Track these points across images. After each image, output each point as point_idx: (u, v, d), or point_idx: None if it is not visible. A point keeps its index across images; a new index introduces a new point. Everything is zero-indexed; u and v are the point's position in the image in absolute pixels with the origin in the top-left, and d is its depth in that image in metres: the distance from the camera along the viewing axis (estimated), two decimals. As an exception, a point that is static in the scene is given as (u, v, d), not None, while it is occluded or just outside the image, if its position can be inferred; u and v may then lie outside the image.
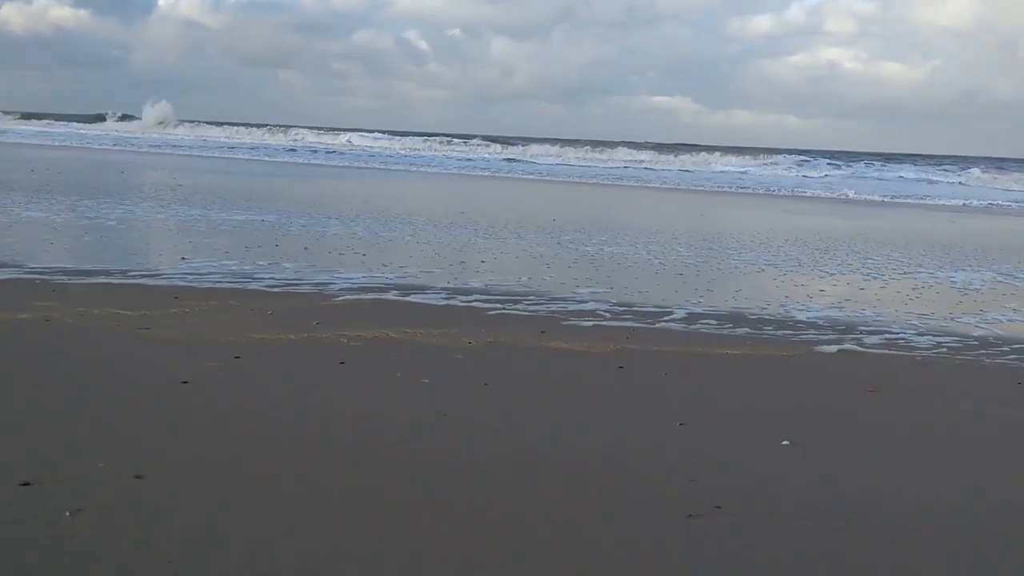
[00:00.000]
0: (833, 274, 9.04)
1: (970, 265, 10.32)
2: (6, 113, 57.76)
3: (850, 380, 4.85)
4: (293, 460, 3.15)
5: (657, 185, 26.58)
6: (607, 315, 6.28)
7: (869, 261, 10.22)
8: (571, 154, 41.31)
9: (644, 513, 2.86)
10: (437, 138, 48.65)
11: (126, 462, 3.02)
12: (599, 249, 10.02)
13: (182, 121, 55.03)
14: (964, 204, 23.78)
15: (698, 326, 6.06)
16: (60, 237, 8.87)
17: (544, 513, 2.82)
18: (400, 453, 3.29)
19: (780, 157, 41.22)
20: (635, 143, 49.48)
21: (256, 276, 7.05)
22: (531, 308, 6.38)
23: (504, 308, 6.32)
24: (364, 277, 7.30)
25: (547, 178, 27.64)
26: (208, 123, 54.43)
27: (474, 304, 6.42)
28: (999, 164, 41.94)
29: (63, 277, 6.53)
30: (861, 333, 6.08)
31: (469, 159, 37.47)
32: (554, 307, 6.46)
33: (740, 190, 25.90)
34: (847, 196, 24.95)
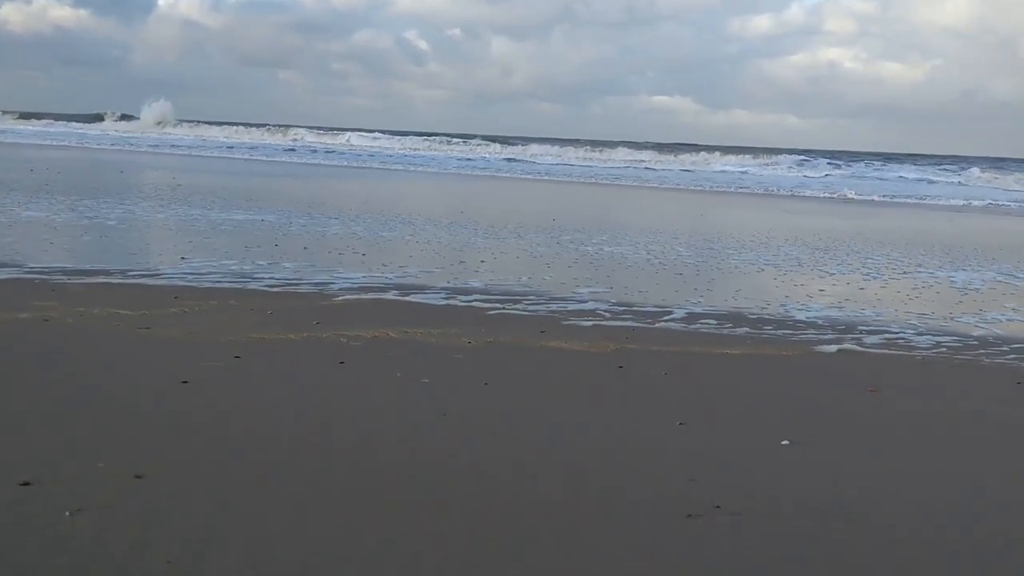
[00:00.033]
0: (833, 274, 9.04)
1: (970, 265, 10.33)
2: (5, 113, 57.76)
3: (850, 380, 4.85)
4: (293, 460, 3.15)
5: (657, 185, 26.59)
6: (607, 315, 6.28)
7: (869, 261, 10.22)
8: (571, 154, 41.29)
9: (644, 513, 2.86)
10: (437, 138, 48.62)
11: (126, 462, 3.02)
12: (599, 249, 10.02)
13: (181, 121, 54.98)
14: (964, 204, 23.78)
15: (698, 326, 6.06)
16: (60, 237, 8.87)
17: (544, 513, 2.82)
18: (400, 453, 3.29)
19: (780, 157, 41.21)
20: (635, 143, 49.46)
21: (256, 276, 7.05)
22: (531, 308, 6.38)
23: (504, 308, 6.32)
24: (364, 277, 7.30)
25: (547, 178, 27.64)
26: (207, 123, 54.38)
27: (474, 304, 6.42)
28: (999, 164, 41.94)
29: (63, 277, 6.53)
30: (861, 333, 6.08)
31: (469, 159, 37.46)
32: (554, 307, 6.46)
33: (740, 190, 25.90)
34: (847, 196, 24.94)
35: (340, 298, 6.37)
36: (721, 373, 4.87)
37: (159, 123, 53.50)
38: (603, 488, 3.06)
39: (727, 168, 37.02)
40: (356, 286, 6.87)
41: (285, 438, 3.38)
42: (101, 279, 6.57)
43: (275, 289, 6.55)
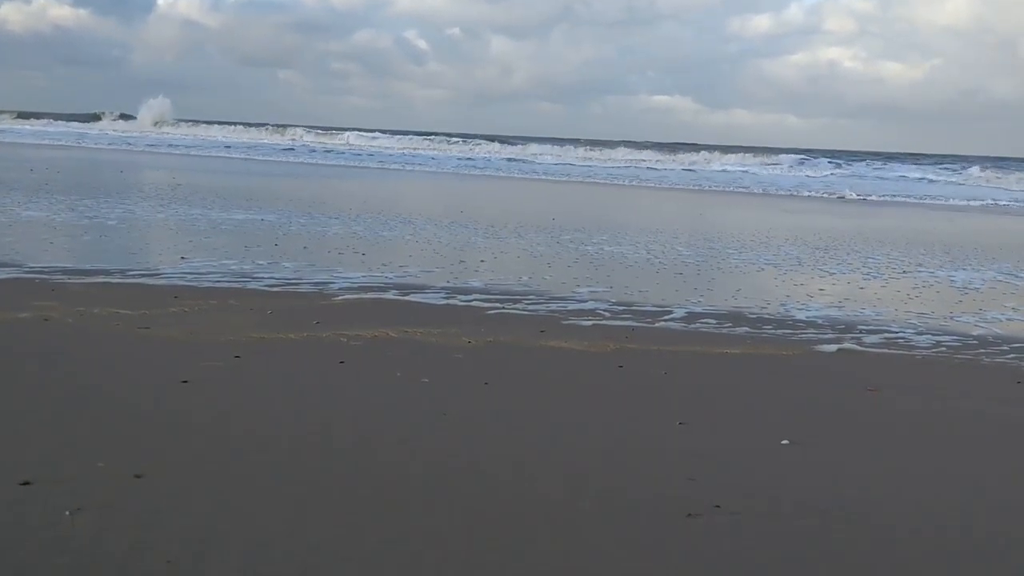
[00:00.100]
0: (833, 273, 9.04)
1: (970, 264, 10.33)
2: (3, 112, 57.77)
3: (850, 380, 4.85)
4: (293, 460, 3.15)
5: (657, 185, 26.58)
6: (607, 314, 6.28)
7: (869, 261, 10.22)
8: (571, 154, 41.28)
9: (644, 513, 2.86)
10: (437, 137, 48.60)
11: (126, 462, 3.02)
12: (599, 248, 10.02)
13: (180, 120, 54.92)
14: (964, 204, 23.78)
15: (698, 325, 6.06)
16: (59, 237, 8.87)
17: (544, 513, 2.82)
18: (400, 453, 3.29)
19: (781, 156, 41.18)
20: (635, 142, 49.45)
21: (256, 275, 7.05)
22: (531, 307, 6.38)
23: (504, 307, 6.32)
24: (364, 276, 7.30)
25: (546, 177, 27.63)
26: (207, 122, 54.33)
27: (474, 303, 6.42)
28: (999, 163, 41.92)
29: (63, 277, 6.53)
30: (861, 332, 6.08)
31: (469, 159, 37.44)
32: (554, 306, 6.46)
33: (740, 189, 25.89)
34: (847, 196, 24.94)
35: (340, 298, 6.37)
36: (721, 373, 4.87)
37: (157, 123, 53.42)
38: (603, 488, 3.06)
39: (727, 168, 37.00)
40: (356, 286, 6.87)
41: (285, 438, 3.38)
42: (101, 279, 6.57)
43: (275, 289, 6.55)
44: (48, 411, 3.56)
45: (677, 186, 26.34)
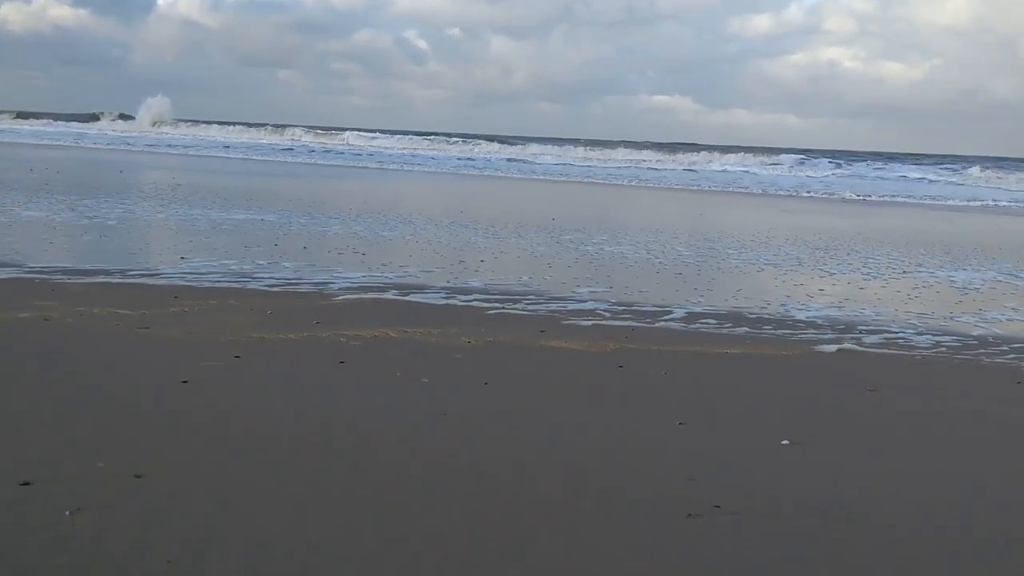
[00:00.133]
0: (833, 273, 9.04)
1: (970, 264, 10.33)
2: (2, 112, 57.78)
3: (850, 380, 4.85)
4: (293, 460, 3.15)
5: (656, 185, 26.58)
6: (607, 314, 6.28)
7: (870, 261, 10.22)
8: (571, 154, 41.29)
9: (644, 513, 2.86)
10: (436, 137, 48.59)
11: (126, 462, 3.02)
12: (599, 248, 10.02)
13: (179, 120, 54.88)
14: (964, 204, 23.78)
15: (698, 325, 6.06)
16: (59, 237, 8.87)
17: (544, 513, 2.82)
18: (400, 453, 3.29)
19: (782, 156, 41.19)
20: (634, 142, 49.46)
21: (256, 275, 7.05)
22: (531, 307, 6.38)
23: (504, 307, 6.32)
24: (364, 276, 7.30)
25: (546, 178, 27.64)
26: (206, 122, 54.30)
27: (474, 303, 6.42)
28: (999, 163, 41.93)
29: (62, 277, 6.53)
30: (860, 332, 6.08)
31: (469, 159, 37.45)
32: (554, 306, 6.46)
33: (740, 190, 25.90)
34: (848, 196, 24.94)
35: (340, 298, 6.37)
36: (721, 373, 4.87)
37: (157, 123, 53.38)
38: (603, 488, 3.06)
39: (728, 168, 37.01)
40: (356, 286, 6.87)
41: (285, 438, 3.38)
42: (101, 279, 6.57)
43: (275, 289, 6.55)
44: (48, 411, 3.56)
45: (677, 186, 26.35)
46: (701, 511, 2.88)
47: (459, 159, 36.63)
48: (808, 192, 25.72)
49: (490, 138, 49.08)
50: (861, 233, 13.61)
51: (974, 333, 6.31)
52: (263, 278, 6.95)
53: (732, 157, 40.59)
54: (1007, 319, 7.03)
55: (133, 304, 5.65)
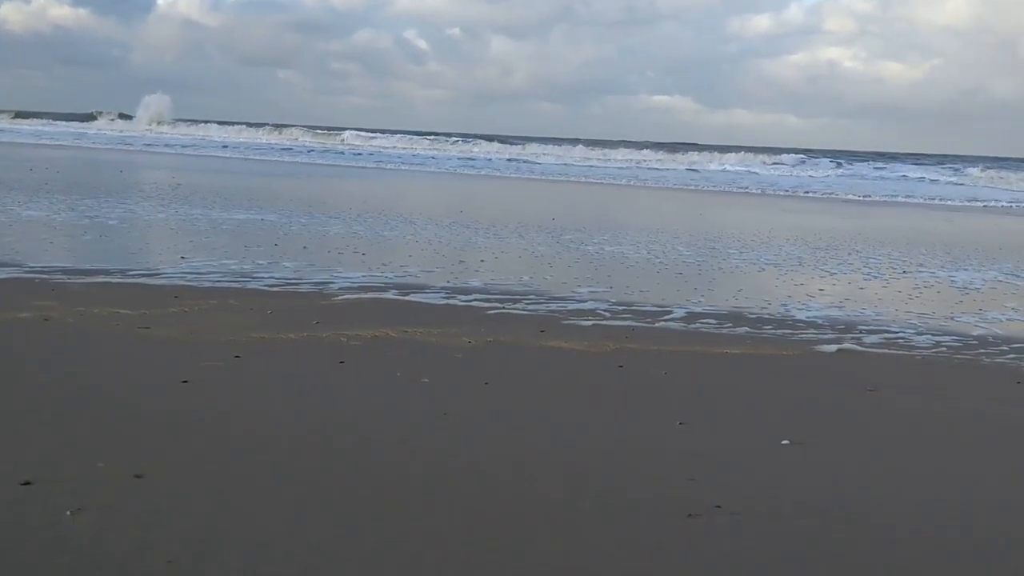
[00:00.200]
0: (833, 273, 9.04)
1: (970, 265, 10.33)
2: (1, 112, 57.80)
3: (850, 380, 4.85)
4: (293, 460, 3.15)
5: (657, 185, 26.58)
6: (607, 314, 6.28)
7: (870, 261, 10.22)
8: (571, 153, 41.29)
9: (644, 513, 2.86)
10: (436, 137, 48.59)
11: (126, 462, 3.02)
12: (599, 248, 10.02)
13: (178, 120, 54.83)
14: (964, 204, 23.78)
15: (698, 325, 6.06)
16: (59, 236, 8.87)
17: (544, 513, 2.82)
18: (400, 453, 3.29)
19: (782, 156, 41.20)
20: (634, 142, 49.46)
21: (256, 275, 7.05)
22: (531, 307, 6.38)
23: (504, 307, 6.32)
24: (364, 276, 7.30)
25: (546, 177, 27.63)
26: (205, 122, 54.26)
27: (474, 303, 6.42)
28: (999, 163, 41.93)
29: (63, 276, 6.53)
30: (861, 332, 6.08)
31: (469, 158, 37.45)
32: (554, 306, 6.46)
33: (741, 189, 25.90)
34: (848, 196, 24.94)
35: (340, 298, 6.37)
36: (721, 373, 4.87)
37: (158, 122, 53.34)
38: (603, 488, 3.06)
39: (728, 168, 37.02)
40: (356, 286, 6.87)
41: (285, 438, 3.38)
42: (101, 279, 6.57)
43: (275, 289, 6.55)
44: (48, 411, 3.56)
45: (677, 186, 26.35)
46: (701, 511, 2.88)
47: (459, 159, 36.63)
48: (806, 192, 25.72)
49: (490, 138, 49.10)
50: (861, 233, 13.61)
51: (974, 333, 6.31)
52: (263, 278, 6.95)
53: (732, 157, 40.61)
54: (1007, 319, 7.03)
55: (133, 304, 5.65)
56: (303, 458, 3.17)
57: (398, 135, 49.06)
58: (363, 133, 50.25)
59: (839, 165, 39.10)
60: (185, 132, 49.11)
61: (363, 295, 6.53)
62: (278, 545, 2.50)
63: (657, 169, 35.06)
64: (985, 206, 23.36)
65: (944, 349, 5.74)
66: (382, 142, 46.01)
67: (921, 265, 10.07)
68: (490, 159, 37.34)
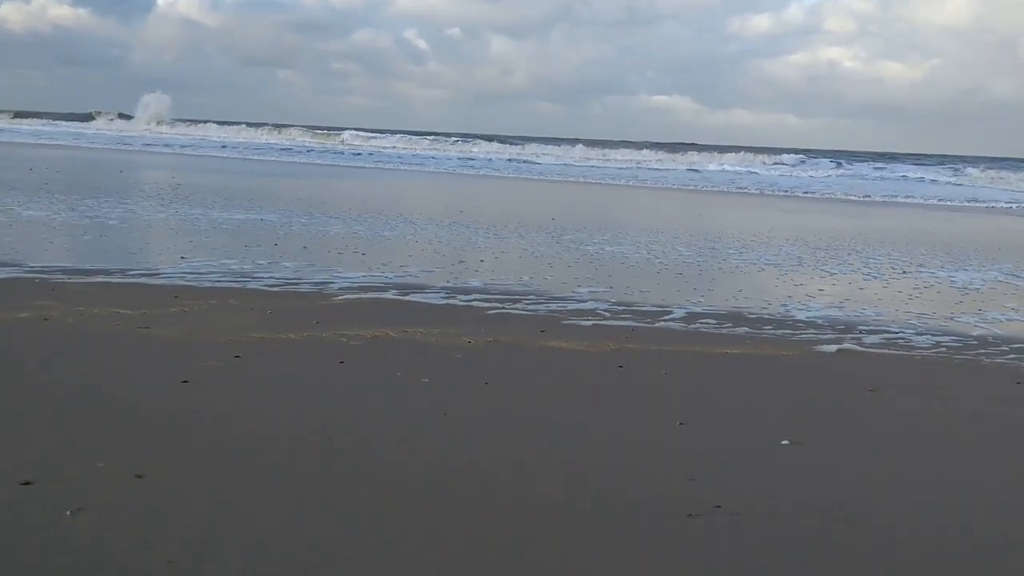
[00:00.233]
0: (833, 273, 9.04)
1: (970, 265, 10.33)
2: (0, 112, 57.82)
3: (850, 380, 4.85)
4: (293, 460, 3.15)
5: (657, 185, 26.58)
6: (607, 314, 6.28)
7: (870, 261, 10.22)
8: (570, 153, 41.30)
9: (644, 513, 2.86)
10: (436, 137, 48.58)
11: (126, 462, 3.02)
12: (599, 248, 10.02)
13: (177, 120, 54.80)
14: (964, 204, 23.78)
15: (698, 325, 6.06)
16: (59, 236, 8.87)
17: (544, 513, 2.82)
18: (400, 453, 3.29)
19: (784, 156, 41.21)
20: (634, 142, 49.48)
21: (256, 275, 7.05)
22: (531, 307, 6.38)
23: (504, 307, 6.32)
24: (364, 276, 7.30)
25: (546, 177, 27.63)
26: (204, 121, 54.22)
27: (474, 303, 6.42)
28: (999, 163, 41.95)
29: (62, 276, 6.53)
30: (861, 332, 6.08)
31: (469, 158, 37.45)
32: (554, 306, 6.46)
33: (741, 189, 25.90)
34: (848, 196, 24.93)
35: (340, 298, 6.37)
36: (721, 373, 4.87)
37: (158, 122, 53.31)
38: (603, 488, 3.06)
39: (728, 168, 37.02)
40: (356, 286, 6.87)
41: (285, 438, 3.38)
42: (101, 278, 6.57)
43: (275, 288, 6.55)
44: (48, 411, 3.56)
45: (677, 186, 26.35)
46: (701, 511, 2.88)
47: (459, 159, 36.63)
48: (806, 192, 25.71)
49: (490, 138, 49.11)
50: (861, 233, 13.61)
51: (974, 333, 6.31)
52: (263, 278, 6.95)
53: (732, 157, 40.61)
54: (1007, 319, 7.03)
55: (133, 304, 5.65)
56: (303, 458, 3.17)
57: (398, 135, 49.07)
58: (363, 133, 50.26)
59: (839, 165, 39.11)
60: (184, 132, 49.09)
61: (363, 295, 6.53)
62: (278, 545, 2.50)
63: (657, 169, 35.07)
64: (985, 206, 23.36)
65: (944, 349, 5.74)
66: (382, 142, 46.00)
67: (921, 265, 10.07)
68: (490, 159, 37.34)
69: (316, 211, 12.49)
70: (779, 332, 5.95)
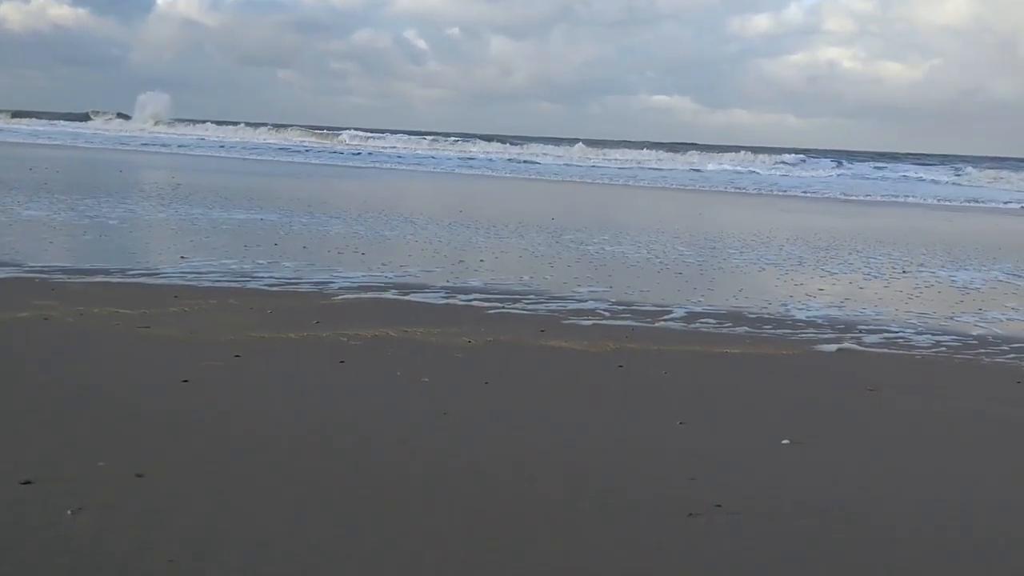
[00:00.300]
0: (833, 273, 9.04)
1: (970, 264, 10.33)
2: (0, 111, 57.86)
3: (850, 379, 4.85)
4: (293, 460, 3.15)
5: (657, 185, 26.58)
6: (607, 314, 6.28)
7: (870, 261, 10.22)
8: (570, 153, 41.29)
9: (644, 513, 2.86)
10: (436, 137, 48.58)
11: (126, 462, 3.02)
12: (599, 248, 10.02)
13: (175, 120, 54.76)
14: (964, 204, 23.78)
15: (698, 325, 6.06)
16: (59, 236, 8.87)
17: (544, 513, 2.82)
18: (400, 453, 3.29)
19: (783, 156, 41.22)
20: (634, 142, 49.49)
21: (256, 275, 7.05)
22: (531, 307, 6.38)
23: (504, 307, 6.31)
24: (364, 276, 7.30)
25: (546, 177, 27.63)
26: (204, 122, 54.18)
27: (474, 303, 6.42)
28: (999, 163, 41.96)
29: (62, 276, 6.53)
30: (860, 332, 6.08)
31: (469, 158, 37.45)
32: (554, 306, 6.45)
33: (740, 189, 25.90)
34: (848, 196, 24.93)
35: (340, 297, 6.37)
36: (721, 373, 4.87)
37: (155, 122, 53.28)
38: (603, 488, 3.06)
39: (728, 167, 37.03)
40: (356, 285, 6.87)
41: (285, 438, 3.38)
42: (101, 278, 6.57)
43: (275, 288, 6.55)
44: (48, 411, 3.56)
45: (677, 186, 26.34)
46: (701, 511, 2.88)
47: (459, 159, 36.63)
48: (806, 192, 25.71)
49: (489, 138, 49.11)
50: (861, 233, 13.61)
51: (974, 333, 6.31)
52: (263, 277, 6.95)
53: (732, 157, 40.62)
54: (1007, 319, 7.03)
55: (133, 304, 5.65)
56: (303, 458, 3.17)
57: (398, 135, 49.06)
58: (362, 133, 50.24)
59: (839, 165, 39.14)
60: (184, 132, 49.07)
61: (363, 295, 6.53)
62: (278, 545, 2.50)
63: (657, 169, 35.07)
64: (985, 206, 23.36)
65: (944, 349, 5.74)
66: (381, 142, 45.98)
67: (921, 265, 10.07)
68: (490, 159, 37.34)
69: (316, 211, 12.48)
70: (779, 332, 5.95)
